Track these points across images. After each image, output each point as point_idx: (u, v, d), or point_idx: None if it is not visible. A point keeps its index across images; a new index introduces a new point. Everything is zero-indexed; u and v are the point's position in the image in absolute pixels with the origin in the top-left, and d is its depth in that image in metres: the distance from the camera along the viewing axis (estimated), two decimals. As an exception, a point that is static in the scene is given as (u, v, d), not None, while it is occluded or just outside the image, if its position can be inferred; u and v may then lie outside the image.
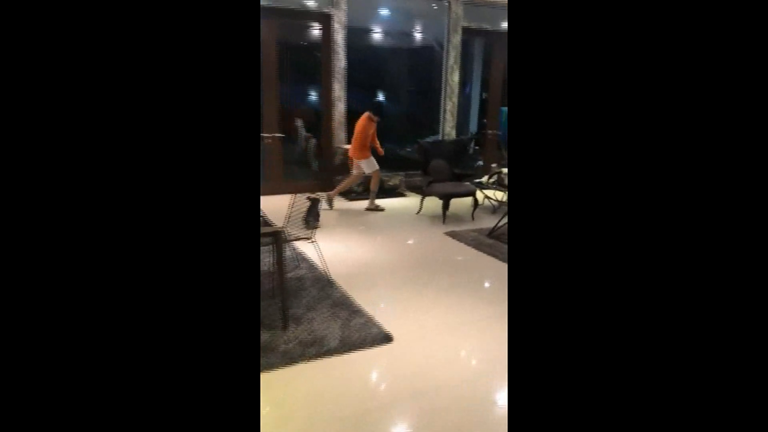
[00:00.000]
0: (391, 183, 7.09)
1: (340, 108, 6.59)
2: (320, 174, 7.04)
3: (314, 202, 5.27)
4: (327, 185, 6.83)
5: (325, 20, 6.33)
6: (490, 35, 7.62)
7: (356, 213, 5.80)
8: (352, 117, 6.74)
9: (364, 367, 2.55)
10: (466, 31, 7.15)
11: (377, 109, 5.89)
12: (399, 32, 7.34)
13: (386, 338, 2.80)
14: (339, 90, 6.52)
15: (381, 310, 3.23)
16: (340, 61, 6.42)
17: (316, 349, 2.65)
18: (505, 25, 7.57)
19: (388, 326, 2.93)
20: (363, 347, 2.70)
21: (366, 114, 5.82)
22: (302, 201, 3.80)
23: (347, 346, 2.70)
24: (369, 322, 2.98)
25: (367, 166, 5.95)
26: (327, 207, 5.89)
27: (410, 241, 4.88)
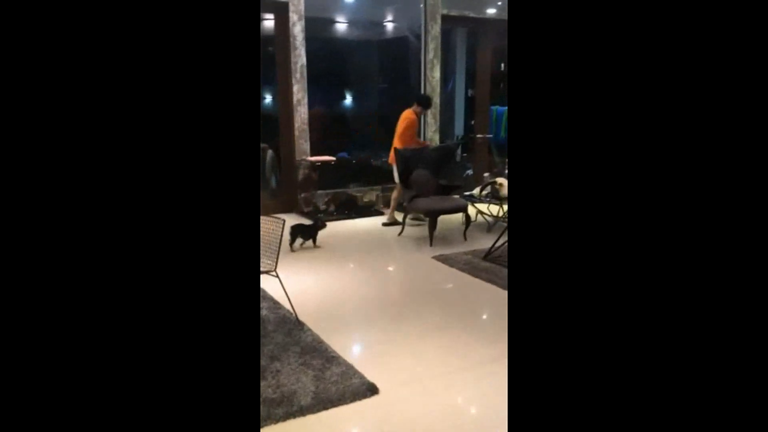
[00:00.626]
0: (366, 199, 7.04)
1: (301, 112, 6.54)
2: (280, 191, 6.95)
3: (320, 224, 5.23)
4: (288, 204, 6.75)
5: (280, 10, 6.31)
6: (474, 23, 7.72)
7: (326, 235, 5.71)
8: (315, 121, 6.70)
9: (344, 426, 2.49)
10: (447, 20, 7.22)
11: (425, 100, 6.14)
12: (368, 22, 7.36)
13: (370, 390, 2.73)
14: (299, 92, 6.47)
15: (362, 356, 3.17)
16: (300, 58, 6.39)
17: (284, 408, 2.57)
18: (490, 11, 7.68)
19: (371, 375, 2.86)
20: (342, 402, 2.63)
21: (410, 109, 6.03)
22: (268, 225, 3.71)
23: (323, 402, 2.62)
24: (348, 371, 2.91)
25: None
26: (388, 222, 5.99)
27: (392, 269, 4.82)
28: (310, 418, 2.50)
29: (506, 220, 5.71)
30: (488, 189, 6.10)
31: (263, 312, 3.68)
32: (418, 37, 7.17)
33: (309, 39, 6.41)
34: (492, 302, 3.99)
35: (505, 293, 4.07)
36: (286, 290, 3.67)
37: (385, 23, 7.74)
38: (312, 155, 6.68)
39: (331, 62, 7.07)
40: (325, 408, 2.58)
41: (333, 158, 6.76)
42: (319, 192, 6.77)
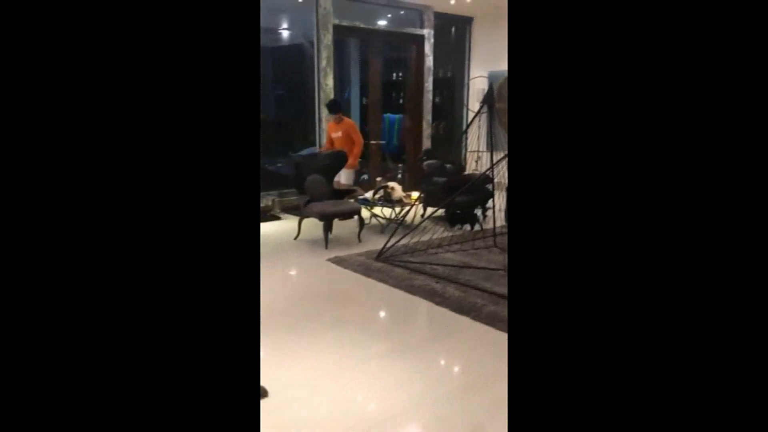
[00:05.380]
0: (262, 204, 6.92)
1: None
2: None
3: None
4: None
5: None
6: (365, 34, 7.78)
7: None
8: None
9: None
10: (339, 30, 7.24)
11: (332, 105, 6.46)
12: (262, 29, 7.24)
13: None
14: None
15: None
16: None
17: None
18: (381, 23, 7.78)
19: (261, 379, 2.78)
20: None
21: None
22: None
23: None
24: (238, 375, 2.81)
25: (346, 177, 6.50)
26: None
27: (287, 273, 4.75)
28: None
29: (398, 221, 5.80)
30: (381, 192, 6.17)
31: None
32: (312, 43, 7.14)
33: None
34: (384, 301, 4.02)
35: (395, 291, 4.14)
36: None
37: (279, 30, 7.65)
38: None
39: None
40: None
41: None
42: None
